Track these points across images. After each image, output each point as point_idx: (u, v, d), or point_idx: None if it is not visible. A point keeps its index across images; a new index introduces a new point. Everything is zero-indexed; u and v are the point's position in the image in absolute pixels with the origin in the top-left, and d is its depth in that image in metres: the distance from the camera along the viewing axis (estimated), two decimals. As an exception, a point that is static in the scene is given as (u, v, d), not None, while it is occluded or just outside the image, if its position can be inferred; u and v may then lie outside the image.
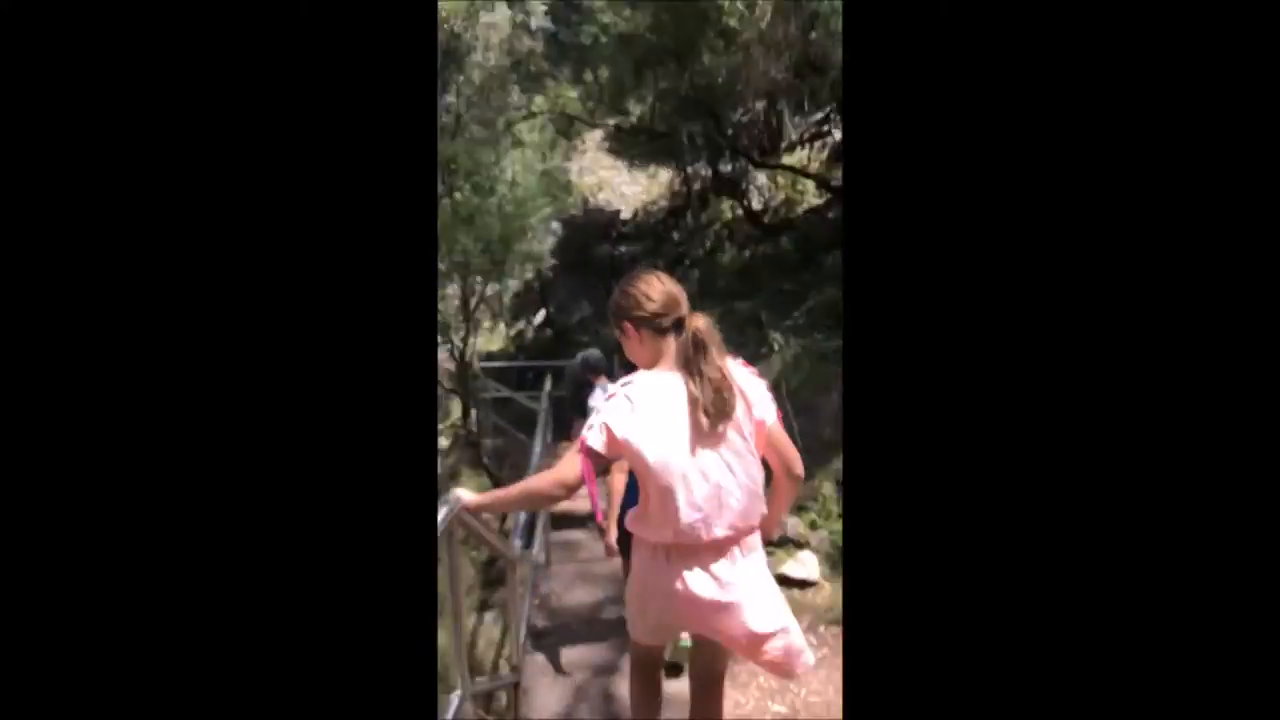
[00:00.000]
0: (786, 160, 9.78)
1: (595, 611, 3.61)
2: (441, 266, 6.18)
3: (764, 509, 1.41)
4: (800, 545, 3.92)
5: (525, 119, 7.89)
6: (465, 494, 1.58)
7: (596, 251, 13.12)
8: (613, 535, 2.49)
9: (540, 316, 13.10)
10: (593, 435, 1.32)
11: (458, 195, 5.59)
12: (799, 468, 1.50)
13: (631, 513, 1.41)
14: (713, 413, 1.31)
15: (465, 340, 6.49)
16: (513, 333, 13.65)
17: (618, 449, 1.31)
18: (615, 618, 3.33)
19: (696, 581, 1.34)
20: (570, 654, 3.11)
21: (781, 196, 10.35)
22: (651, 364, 1.41)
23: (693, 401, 1.31)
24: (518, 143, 7.28)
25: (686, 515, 1.30)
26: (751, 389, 1.41)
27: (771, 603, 1.42)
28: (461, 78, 6.20)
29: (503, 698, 2.97)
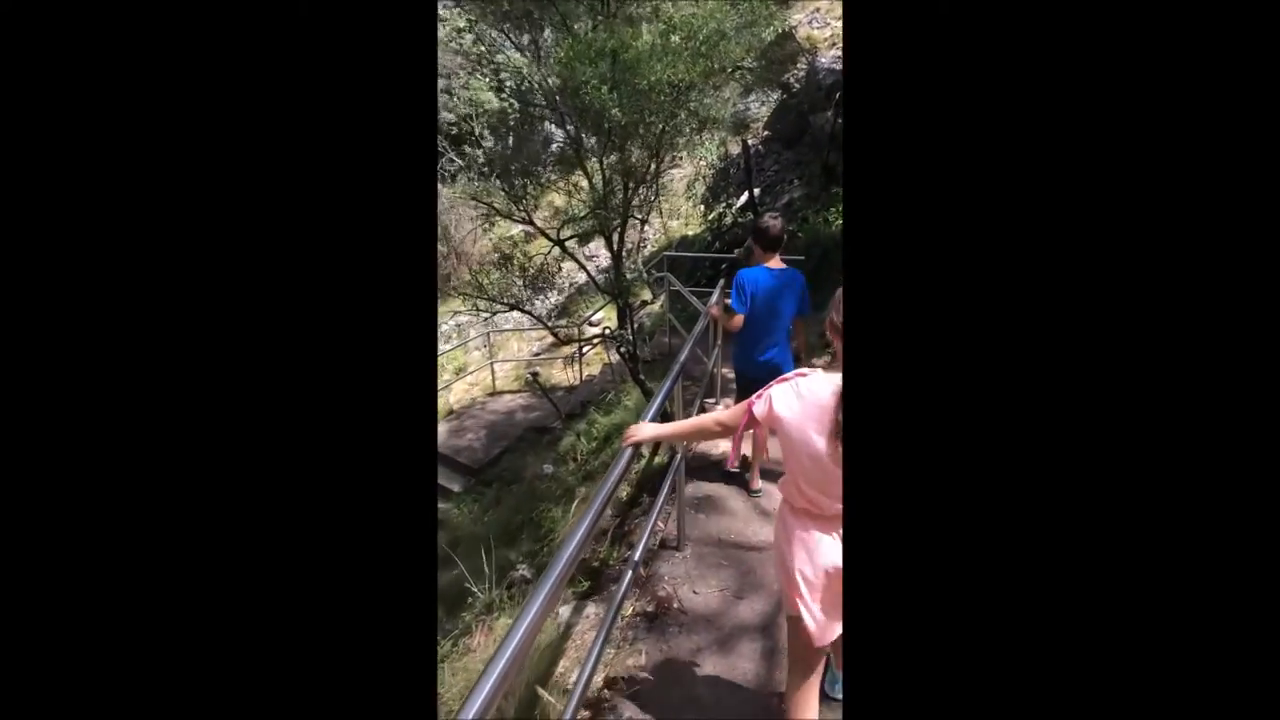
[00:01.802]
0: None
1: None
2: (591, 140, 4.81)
3: None
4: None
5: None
6: (644, 427, 2.00)
7: (815, 120, 11.04)
8: (735, 460, 3.66)
9: (743, 199, 11.50)
10: (760, 404, 1.69)
11: (599, 28, 4.05)
12: None
13: (783, 479, 1.79)
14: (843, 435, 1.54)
15: (620, 231, 5.05)
16: (711, 216, 12.23)
17: (772, 422, 1.68)
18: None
19: (825, 542, 1.69)
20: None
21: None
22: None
23: (835, 423, 1.58)
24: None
25: (813, 490, 1.68)
26: None
27: None
28: None
29: None
